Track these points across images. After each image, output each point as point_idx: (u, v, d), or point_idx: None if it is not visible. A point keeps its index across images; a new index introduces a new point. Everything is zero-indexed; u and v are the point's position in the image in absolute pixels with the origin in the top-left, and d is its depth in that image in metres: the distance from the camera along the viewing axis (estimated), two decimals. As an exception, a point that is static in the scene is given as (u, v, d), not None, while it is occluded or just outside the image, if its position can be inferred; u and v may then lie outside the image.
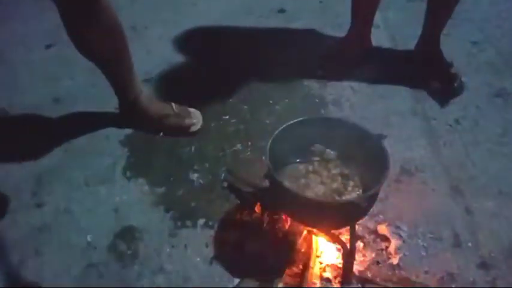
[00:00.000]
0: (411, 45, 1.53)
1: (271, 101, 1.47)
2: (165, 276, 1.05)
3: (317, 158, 1.04)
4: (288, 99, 1.48)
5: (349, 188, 0.99)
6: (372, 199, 0.95)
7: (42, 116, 1.44)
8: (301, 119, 1.04)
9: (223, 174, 1.26)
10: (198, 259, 1.08)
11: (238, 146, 1.34)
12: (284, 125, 1.01)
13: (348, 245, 0.98)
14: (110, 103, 1.40)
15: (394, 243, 1.10)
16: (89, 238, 1.12)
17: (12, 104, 1.48)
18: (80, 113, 1.45)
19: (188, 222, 1.16)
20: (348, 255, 0.98)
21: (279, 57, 1.55)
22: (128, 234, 1.14)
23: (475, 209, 1.18)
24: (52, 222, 1.17)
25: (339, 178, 1.01)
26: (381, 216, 1.15)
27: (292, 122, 1.03)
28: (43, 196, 1.22)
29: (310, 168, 1.02)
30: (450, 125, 1.40)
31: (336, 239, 0.98)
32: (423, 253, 1.09)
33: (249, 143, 1.35)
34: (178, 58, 1.64)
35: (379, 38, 1.69)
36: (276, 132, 1.00)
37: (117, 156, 1.32)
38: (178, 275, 1.06)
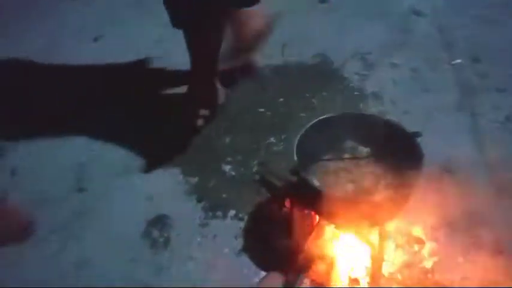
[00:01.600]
0: (457, 35, 1.43)
1: (307, 94, 1.45)
2: (194, 264, 1.08)
3: (348, 155, 1.01)
4: (325, 92, 1.45)
5: (380, 188, 0.96)
6: (403, 199, 0.91)
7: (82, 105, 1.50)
8: (333, 114, 1.01)
9: (255, 167, 1.26)
10: (227, 250, 1.10)
11: (272, 139, 1.33)
12: (315, 120, 0.99)
13: (377, 246, 0.95)
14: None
15: (428, 246, 1.05)
16: (124, 224, 1.17)
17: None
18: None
19: (219, 213, 1.18)
20: (377, 256, 0.95)
21: (318, 45, 1.51)
22: (160, 222, 1.17)
23: (521, 214, 1.10)
24: (92, 207, 1.23)
25: (370, 177, 0.97)
26: (416, 216, 1.09)
27: (323, 117, 1.00)
28: (85, 182, 1.29)
29: (341, 165, 0.99)
30: (500, 122, 1.30)
31: (364, 239, 0.95)
32: (460, 259, 1.03)
33: (283, 137, 1.34)
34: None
35: (426, 27, 1.60)
36: (306, 126, 0.98)
37: (154, 146, 1.36)
38: (206, 264, 1.08)
